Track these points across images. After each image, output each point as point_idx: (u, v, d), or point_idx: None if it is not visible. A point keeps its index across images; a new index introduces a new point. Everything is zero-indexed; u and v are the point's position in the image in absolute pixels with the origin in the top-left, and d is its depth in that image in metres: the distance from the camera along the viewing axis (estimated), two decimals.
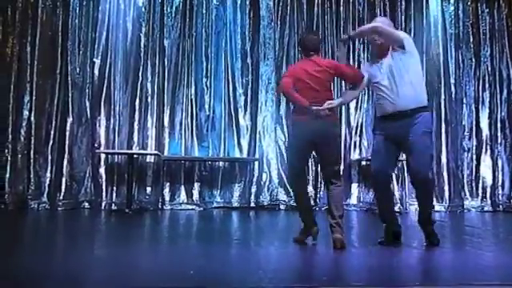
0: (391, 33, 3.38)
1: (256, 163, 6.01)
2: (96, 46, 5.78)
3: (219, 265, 2.75)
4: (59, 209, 5.44)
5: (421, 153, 3.27)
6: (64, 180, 5.58)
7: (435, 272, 2.70)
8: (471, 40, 6.55)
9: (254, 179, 5.98)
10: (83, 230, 4.33)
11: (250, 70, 6.12)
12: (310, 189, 6.11)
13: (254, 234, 4.26)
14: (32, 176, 5.50)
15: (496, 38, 6.57)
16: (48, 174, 5.55)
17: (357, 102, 6.19)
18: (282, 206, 5.99)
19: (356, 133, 6.30)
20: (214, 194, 5.94)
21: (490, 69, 6.54)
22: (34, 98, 5.59)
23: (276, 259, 3.04)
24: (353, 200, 6.19)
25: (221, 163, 6.01)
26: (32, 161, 5.52)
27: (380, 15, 6.40)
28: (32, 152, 5.52)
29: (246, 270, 2.67)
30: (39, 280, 2.34)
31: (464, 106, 6.49)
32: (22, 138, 5.53)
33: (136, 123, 5.83)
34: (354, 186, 6.23)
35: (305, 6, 6.31)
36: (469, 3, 6.59)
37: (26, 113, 5.57)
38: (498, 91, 6.53)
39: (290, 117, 3.67)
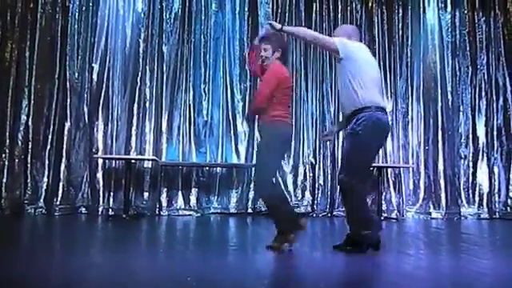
0: (322, 42, 3.38)
1: (253, 169, 6.01)
2: (95, 51, 5.79)
3: (216, 271, 2.75)
4: (56, 214, 5.43)
5: (342, 156, 3.45)
6: (61, 185, 5.56)
7: (432, 280, 2.71)
8: (468, 48, 6.59)
9: (252, 185, 5.98)
10: (80, 235, 4.32)
11: (248, 76, 6.14)
12: (308, 195, 6.14)
13: (251, 240, 4.26)
14: (29, 180, 5.48)
15: (492, 46, 6.62)
16: (45, 179, 5.53)
17: None
18: None
19: None
20: (211, 199, 5.94)
21: (486, 77, 6.59)
22: (32, 102, 5.59)
23: (273, 265, 3.04)
24: None
25: (218, 169, 6.01)
26: (29, 165, 5.50)
27: (377, 23, 6.47)
28: (29, 156, 5.51)
29: (243, 275, 2.67)
30: (34, 285, 2.33)
31: (460, 113, 6.52)
32: (20, 143, 5.52)
33: (134, 128, 5.83)
34: None
35: (303, 14, 6.36)
36: (465, 12, 6.65)
37: (23, 117, 5.56)
38: (495, 99, 6.57)
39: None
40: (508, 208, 6.42)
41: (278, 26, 3.43)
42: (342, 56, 3.30)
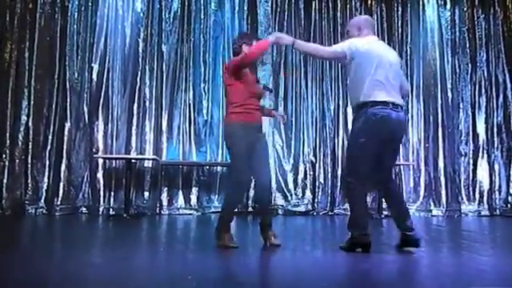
0: (330, 54, 3.41)
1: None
2: (94, 51, 5.79)
3: (216, 270, 2.76)
4: (57, 214, 5.44)
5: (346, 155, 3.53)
6: (62, 185, 5.57)
7: (433, 277, 2.71)
8: (467, 45, 6.60)
9: (252, 184, 5.97)
10: (81, 235, 4.32)
11: None
12: (308, 194, 6.13)
13: (250, 239, 4.26)
14: (29, 181, 5.49)
15: (492, 43, 6.62)
16: (46, 179, 5.54)
17: None
18: (279, 211, 6.01)
19: None
20: (211, 198, 5.94)
21: (486, 74, 6.59)
22: (32, 102, 5.59)
23: (274, 264, 3.05)
24: None
25: (219, 168, 6.01)
26: (30, 166, 5.51)
27: (377, 20, 6.46)
28: (30, 157, 5.51)
29: (243, 274, 2.68)
30: (35, 285, 2.33)
31: (461, 110, 6.53)
32: (20, 143, 5.52)
33: (134, 128, 5.84)
34: None
35: (302, 12, 6.36)
36: (465, 9, 6.65)
37: (24, 118, 5.57)
38: (494, 96, 6.58)
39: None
40: (508, 205, 6.43)
41: (290, 40, 3.31)
42: (348, 59, 3.32)
